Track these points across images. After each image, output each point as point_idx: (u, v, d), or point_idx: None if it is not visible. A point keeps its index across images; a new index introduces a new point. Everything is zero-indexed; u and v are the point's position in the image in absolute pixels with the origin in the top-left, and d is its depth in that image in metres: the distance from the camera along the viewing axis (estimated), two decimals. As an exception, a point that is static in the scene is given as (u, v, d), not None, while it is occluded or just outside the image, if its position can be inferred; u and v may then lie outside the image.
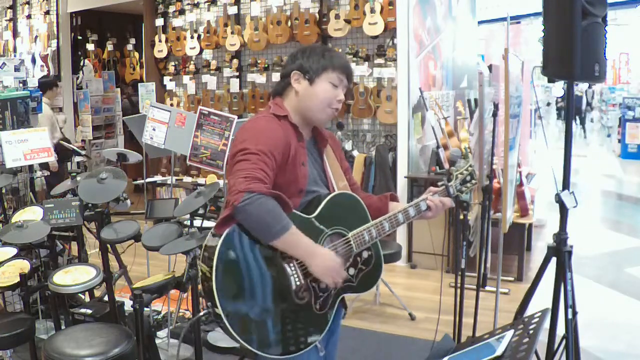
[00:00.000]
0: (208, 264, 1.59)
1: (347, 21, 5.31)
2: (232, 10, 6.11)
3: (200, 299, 2.46)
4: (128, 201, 3.22)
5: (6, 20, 8.23)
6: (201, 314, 2.07)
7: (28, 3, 7.92)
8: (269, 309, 1.63)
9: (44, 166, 4.35)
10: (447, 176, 2.01)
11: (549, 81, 2.39)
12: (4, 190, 3.84)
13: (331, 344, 1.96)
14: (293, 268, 1.67)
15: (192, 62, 6.63)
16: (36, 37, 7.69)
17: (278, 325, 1.64)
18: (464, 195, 2.05)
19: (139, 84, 6.54)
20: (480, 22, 7.80)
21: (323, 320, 1.73)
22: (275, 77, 5.73)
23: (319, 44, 1.78)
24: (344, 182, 1.93)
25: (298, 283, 1.67)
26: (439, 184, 1.98)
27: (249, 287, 1.60)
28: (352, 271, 1.81)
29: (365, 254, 1.84)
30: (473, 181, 2.05)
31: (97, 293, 3.36)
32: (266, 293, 1.63)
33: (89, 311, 2.91)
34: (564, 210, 2.34)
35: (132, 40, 8.97)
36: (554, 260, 2.34)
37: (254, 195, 1.54)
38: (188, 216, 3.03)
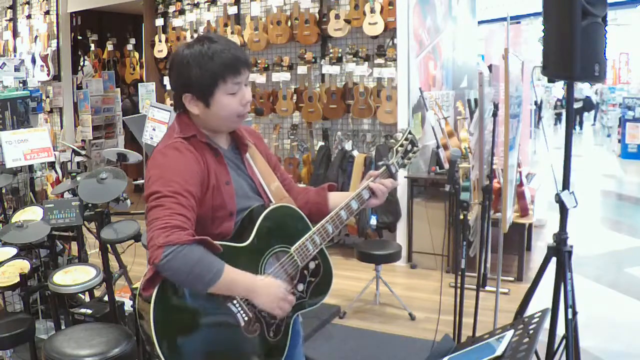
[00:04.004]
0: (147, 327, 1.45)
1: (347, 21, 5.30)
2: (232, 10, 6.11)
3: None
4: (128, 201, 3.22)
5: (6, 20, 8.22)
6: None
7: (28, 3, 7.92)
8: (223, 353, 1.53)
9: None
10: (388, 154, 1.87)
11: (549, 81, 2.39)
12: (4, 190, 3.84)
13: (297, 356, 1.84)
14: (237, 305, 1.54)
15: (192, 62, 6.61)
16: (36, 37, 7.69)
17: None
18: (407, 162, 1.90)
19: (139, 84, 6.54)
20: (480, 22, 7.80)
21: (280, 346, 1.64)
22: (276, 77, 5.73)
23: (201, 39, 1.50)
24: (275, 183, 1.77)
25: (246, 318, 1.55)
26: (379, 163, 1.85)
27: (197, 339, 1.48)
28: (301, 287, 1.69)
29: (312, 265, 1.71)
30: (415, 148, 1.91)
31: (97, 293, 3.36)
32: (217, 340, 1.52)
33: (89, 311, 2.91)
34: (564, 210, 2.34)
35: (132, 40, 8.97)
36: (554, 260, 2.34)
37: (176, 247, 1.37)
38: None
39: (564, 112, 17.87)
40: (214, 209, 1.57)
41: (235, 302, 1.54)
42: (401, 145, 1.89)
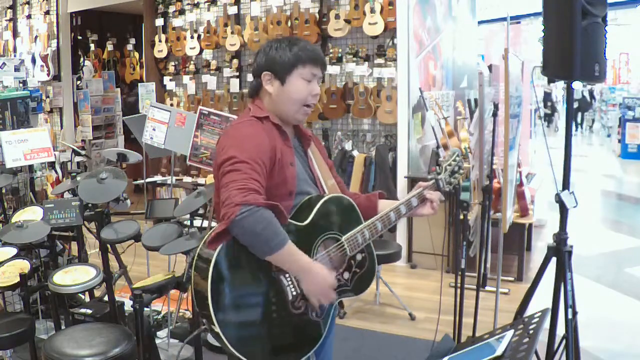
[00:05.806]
0: (203, 280, 1.54)
1: (347, 21, 5.31)
2: (232, 10, 6.11)
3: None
4: (128, 201, 3.22)
5: (6, 20, 8.22)
6: (201, 328, 2.07)
7: (28, 3, 7.92)
8: (266, 321, 1.59)
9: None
10: (437, 169, 1.98)
11: (549, 81, 2.39)
12: (4, 190, 3.84)
13: (327, 345, 1.94)
14: (289, 278, 1.64)
15: (192, 62, 6.63)
16: (36, 37, 7.69)
17: (276, 337, 1.61)
18: (453, 182, 1.99)
19: (139, 84, 6.54)
20: (480, 22, 7.79)
21: (319, 328, 1.71)
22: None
23: (288, 36, 1.79)
24: (332, 181, 1.89)
25: (294, 293, 1.64)
26: (429, 177, 1.95)
27: (245, 301, 1.57)
28: (346, 275, 1.78)
29: (359, 257, 1.81)
30: (461, 171, 2.03)
31: (97, 293, 3.36)
32: (263, 306, 1.59)
33: (89, 311, 2.92)
34: (564, 210, 2.34)
35: (132, 40, 8.97)
36: (554, 260, 2.34)
37: (252, 207, 1.49)
38: (188, 216, 3.04)
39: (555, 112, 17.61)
40: (276, 185, 1.68)
41: (287, 275, 1.63)
42: (450, 164, 1.99)
